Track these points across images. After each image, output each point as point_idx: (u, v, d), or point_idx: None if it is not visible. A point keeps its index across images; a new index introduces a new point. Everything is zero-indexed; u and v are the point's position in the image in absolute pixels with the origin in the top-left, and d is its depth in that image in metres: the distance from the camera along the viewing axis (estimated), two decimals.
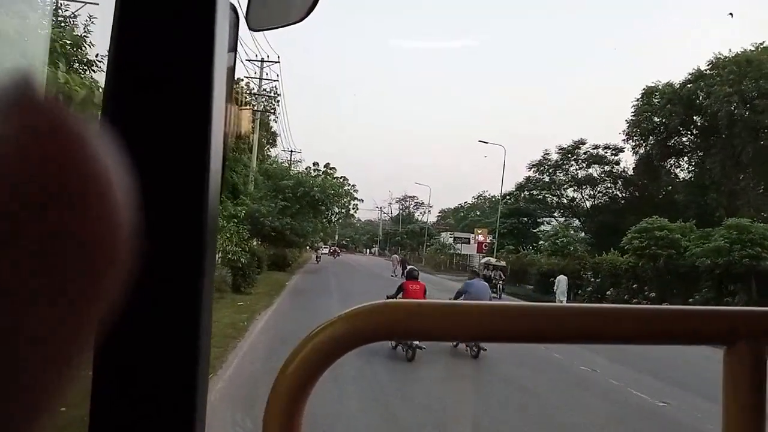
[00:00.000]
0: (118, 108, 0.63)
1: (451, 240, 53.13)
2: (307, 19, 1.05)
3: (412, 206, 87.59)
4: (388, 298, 6.85)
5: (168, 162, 0.63)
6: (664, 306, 0.73)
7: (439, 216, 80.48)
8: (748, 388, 0.68)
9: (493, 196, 79.08)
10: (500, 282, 25.40)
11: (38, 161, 0.18)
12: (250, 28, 1.05)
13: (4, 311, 0.18)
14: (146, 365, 0.63)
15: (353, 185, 33.75)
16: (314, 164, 34.34)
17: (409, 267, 12.79)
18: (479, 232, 46.49)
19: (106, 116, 0.63)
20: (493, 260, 30.86)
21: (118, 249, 0.20)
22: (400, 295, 10.19)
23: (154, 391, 0.64)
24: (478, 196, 79.74)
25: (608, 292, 24.65)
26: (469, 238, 50.36)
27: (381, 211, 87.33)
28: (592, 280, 26.15)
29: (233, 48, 0.78)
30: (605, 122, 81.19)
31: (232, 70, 0.78)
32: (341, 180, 32.85)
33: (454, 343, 9.83)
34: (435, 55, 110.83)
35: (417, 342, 9.41)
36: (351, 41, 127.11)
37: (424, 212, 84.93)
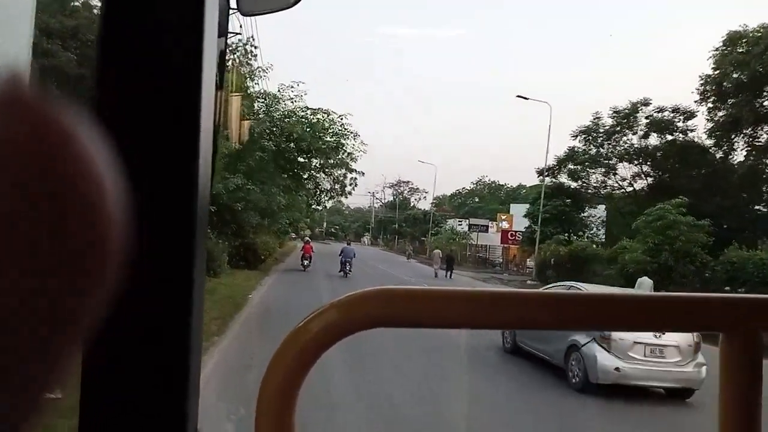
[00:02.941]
0: (107, 95, 0.62)
1: (462, 227, 44.28)
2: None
3: (406, 192, 79.71)
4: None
5: (157, 149, 0.63)
6: (663, 293, 0.71)
7: (433, 202, 72.49)
8: (745, 374, 0.69)
9: (493, 182, 72.94)
10: None
11: (25, 157, 0.18)
12: (242, 13, 1.05)
13: None
14: (136, 361, 0.63)
15: (355, 133, 21.49)
16: (290, 85, 20.13)
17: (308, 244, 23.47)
18: (504, 217, 37.54)
19: (95, 103, 0.62)
20: None
21: (109, 244, 0.19)
22: (302, 252, 22.73)
23: (145, 388, 0.64)
24: (478, 181, 73.62)
25: None
26: (487, 226, 41.54)
27: (374, 196, 79.08)
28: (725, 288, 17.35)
29: (224, 33, 0.79)
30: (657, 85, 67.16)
31: (222, 55, 0.78)
32: (342, 121, 20.40)
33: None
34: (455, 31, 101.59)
35: (307, 262, 22.17)
36: (339, 26, 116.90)
37: (419, 198, 77.16)
